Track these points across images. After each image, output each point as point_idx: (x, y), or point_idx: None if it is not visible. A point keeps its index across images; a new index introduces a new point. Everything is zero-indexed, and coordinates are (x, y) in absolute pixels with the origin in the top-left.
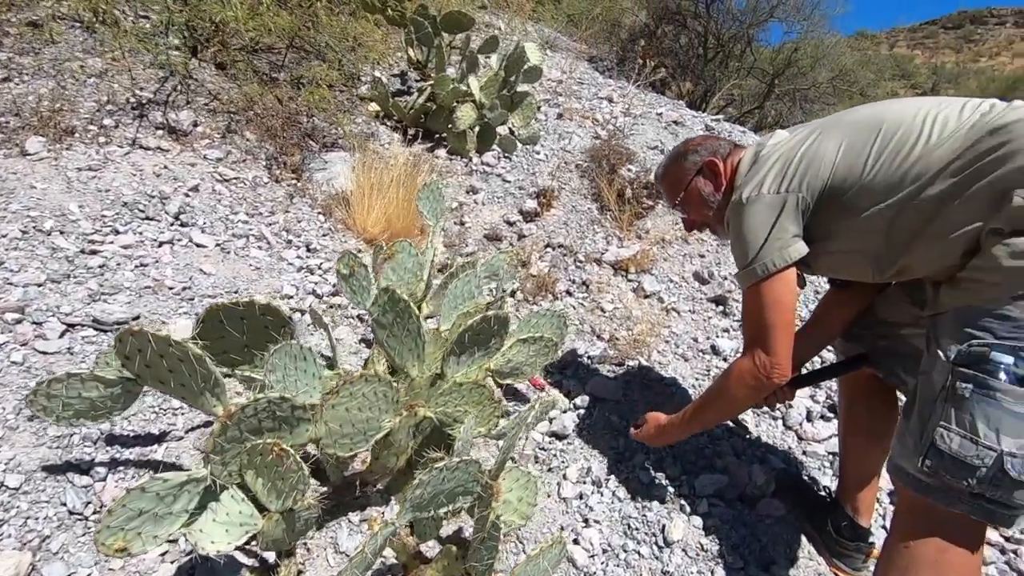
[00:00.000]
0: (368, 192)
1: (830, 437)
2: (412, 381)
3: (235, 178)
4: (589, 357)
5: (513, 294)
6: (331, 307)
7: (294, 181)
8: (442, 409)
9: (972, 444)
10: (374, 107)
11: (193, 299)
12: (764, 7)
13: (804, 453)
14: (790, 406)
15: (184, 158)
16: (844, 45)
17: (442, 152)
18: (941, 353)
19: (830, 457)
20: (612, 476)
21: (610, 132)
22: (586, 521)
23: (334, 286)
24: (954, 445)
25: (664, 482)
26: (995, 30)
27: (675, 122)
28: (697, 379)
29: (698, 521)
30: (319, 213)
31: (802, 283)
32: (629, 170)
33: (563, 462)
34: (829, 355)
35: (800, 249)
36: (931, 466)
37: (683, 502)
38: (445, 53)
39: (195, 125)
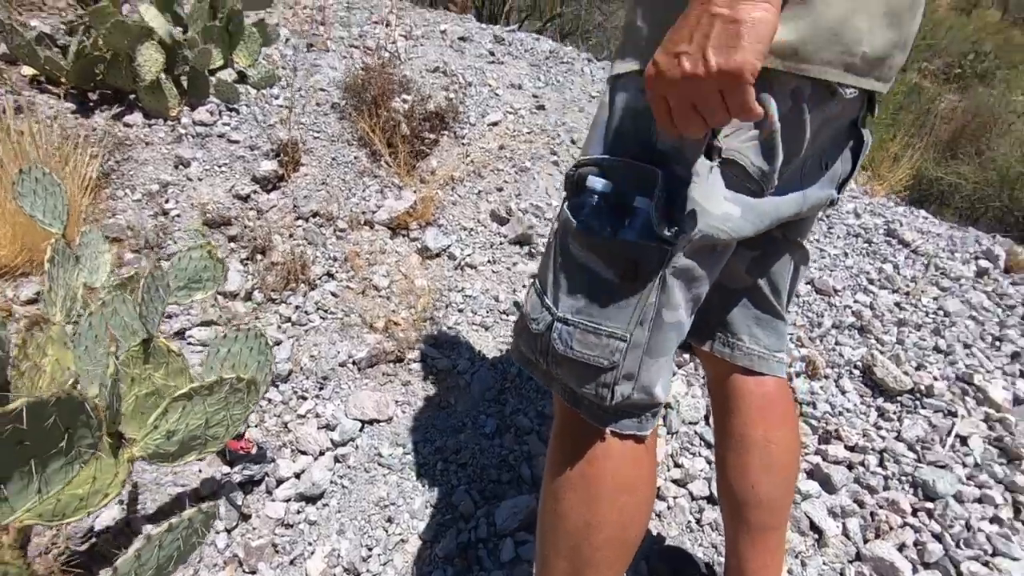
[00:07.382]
0: None
1: None
2: None
3: None
4: (354, 362)
5: (250, 296)
6: None
7: None
8: None
9: (539, 303)
10: (28, 70)
11: None
12: None
13: None
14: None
15: None
16: None
17: (138, 116)
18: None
19: None
20: (375, 552)
21: (383, 59)
22: None
23: None
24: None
25: (459, 534)
26: None
27: (461, 38)
28: (502, 349)
29: None
30: None
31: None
32: (404, 100)
33: (310, 543)
34: None
35: None
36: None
37: (481, 551)
38: None
39: None
